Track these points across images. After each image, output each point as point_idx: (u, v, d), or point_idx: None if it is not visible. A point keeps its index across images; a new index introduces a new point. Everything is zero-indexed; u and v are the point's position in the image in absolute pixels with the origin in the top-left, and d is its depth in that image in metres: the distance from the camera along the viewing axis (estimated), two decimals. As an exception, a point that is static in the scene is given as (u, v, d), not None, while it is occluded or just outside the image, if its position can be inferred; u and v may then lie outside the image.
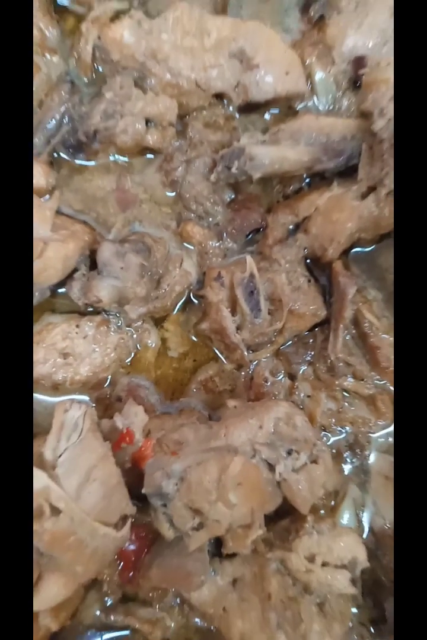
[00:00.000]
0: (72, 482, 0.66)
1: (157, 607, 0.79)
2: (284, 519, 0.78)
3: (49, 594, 0.66)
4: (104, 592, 0.79)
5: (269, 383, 0.84)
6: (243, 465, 0.70)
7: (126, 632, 0.79)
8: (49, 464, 0.69)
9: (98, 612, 0.79)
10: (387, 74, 0.79)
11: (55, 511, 0.66)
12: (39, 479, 0.67)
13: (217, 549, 0.77)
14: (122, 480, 0.69)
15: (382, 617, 0.78)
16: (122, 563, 0.77)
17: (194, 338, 0.91)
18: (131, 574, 0.77)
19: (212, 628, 0.78)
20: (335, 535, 0.73)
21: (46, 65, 0.91)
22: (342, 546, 0.72)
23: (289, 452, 0.71)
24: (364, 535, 0.80)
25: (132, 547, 0.77)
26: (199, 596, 0.73)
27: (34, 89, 0.91)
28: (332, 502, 0.83)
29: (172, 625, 0.79)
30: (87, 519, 0.64)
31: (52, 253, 0.76)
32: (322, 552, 0.73)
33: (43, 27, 0.91)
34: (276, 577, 0.73)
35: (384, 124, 0.75)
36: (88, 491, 0.65)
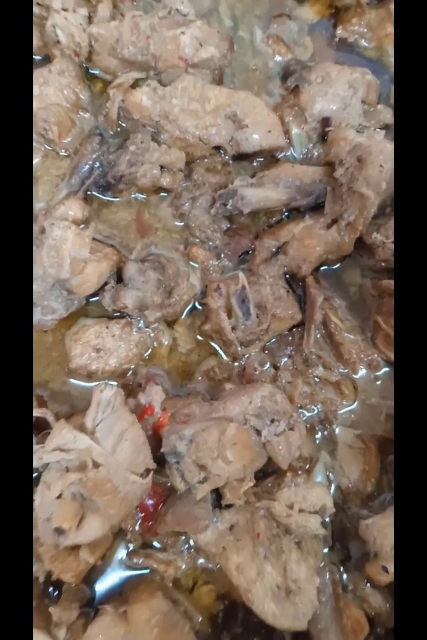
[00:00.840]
0: (108, 442, 0.82)
1: (170, 551, 0.95)
2: (269, 477, 0.94)
3: (89, 531, 0.80)
4: (128, 539, 0.94)
5: (257, 371, 1.00)
6: (237, 430, 0.86)
7: (147, 571, 0.94)
8: (89, 430, 0.84)
9: (123, 557, 0.95)
10: (346, 133, 0.99)
11: (96, 464, 0.82)
12: (83, 440, 0.82)
13: (218, 501, 0.92)
14: (147, 441, 0.85)
15: (348, 557, 0.94)
16: (142, 515, 0.93)
17: (198, 337, 1.04)
18: (150, 523, 0.93)
19: (214, 567, 0.94)
20: (309, 488, 0.89)
21: (80, 121, 1.11)
22: (314, 496, 0.87)
23: (272, 421, 0.88)
24: (332, 491, 0.93)
25: (150, 502, 0.92)
26: (203, 538, 0.89)
27: (68, 140, 1.11)
28: (307, 466, 0.97)
29: (183, 566, 0.95)
30: (121, 469, 0.81)
31: (90, 270, 0.93)
32: (298, 501, 0.88)
33: (78, 91, 1.10)
34: (263, 521, 0.89)
35: (343, 171, 0.99)
36: (121, 448, 0.82)
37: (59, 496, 0.81)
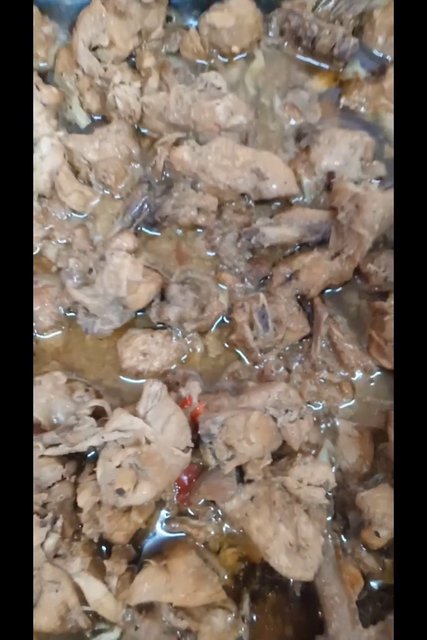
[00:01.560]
0: (157, 424, 0.99)
1: (201, 519, 1.09)
2: (283, 457, 1.08)
3: (141, 494, 0.97)
4: (167, 508, 1.10)
5: (273, 373, 1.16)
6: (259, 417, 1.02)
7: (182, 534, 1.09)
8: (141, 416, 1.00)
9: (162, 523, 1.10)
10: (347, 184, 1.17)
11: (148, 441, 0.98)
12: (138, 422, 0.98)
13: (241, 477, 1.06)
14: (188, 425, 1.01)
15: (347, 525, 1.08)
16: (179, 488, 1.08)
17: (225, 345, 1.19)
18: (185, 495, 1.08)
19: (238, 532, 1.08)
20: (315, 466, 1.03)
21: (131, 171, 1.29)
22: (320, 472, 1.02)
23: (286, 411, 1.03)
24: (334, 471, 1.08)
25: (185, 477, 1.07)
26: (229, 506, 1.03)
27: (122, 186, 1.26)
28: (314, 451, 1.11)
29: (211, 531, 1.09)
30: (167, 445, 0.97)
31: (142, 290, 1.10)
32: (307, 476, 1.02)
33: (130, 147, 1.25)
34: (278, 492, 1.03)
35: (344, 215, 1.15)
36: (167, 429, 0.98)
37: (119, 466, 0.97)
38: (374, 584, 1.08)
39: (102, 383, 1.18)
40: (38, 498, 1.03)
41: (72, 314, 1.21)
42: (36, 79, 1.27)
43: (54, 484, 1.04)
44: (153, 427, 0.99)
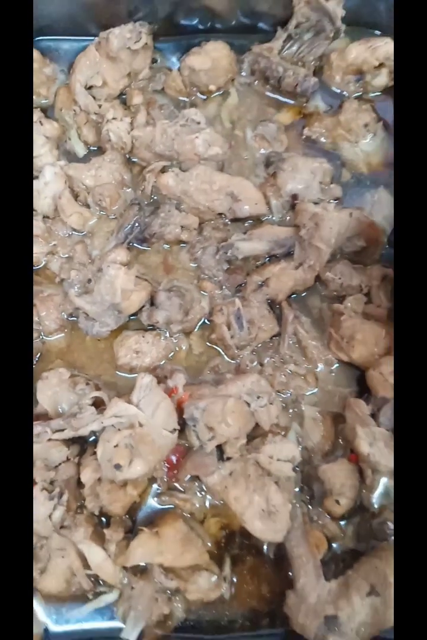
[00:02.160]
0: (149, 410, 1.09)
1: (188, 492, 1.18)
2: (256, 437, 1.17)
3: (135, 469, 1.07)
4: (158, 484, 1.18)
5: (248, 367, 1.24)
6: (235, 403, 1.12)
7: (171, 507, 1.18)
8: (134, 404, 1.10)
9: (154, 497, 1.20)
10: (308, 205, 1.25)
11: (140, 425, 1.09)
12: (132, 409, 1.09)
13: (221, 455, 1.15)
14: (174, 411, 1.11)
15: (313, 496, 1.17)
16: (168, 466, 1.17)
17: (207, 343, 1.28)
18: (173, 472, 1.18)
19: (219, 503, 1.17)
20: (283, 444, 1.13)
21: (124, 194, 1.37)
22: (287, 449, 1.12)
23: (258, 397, 1.13)
24: (300, 449, 1.16)
25: (173, 457, 1.17)
26: (211, 480, 1.12)
27: (116, 208, 1.35)
28: (283, 433, 1.19)
29: (197, 504, 1.18)
30: (157, 427, 1.08)
31: (134, 297, 1.21)
32: (276, 453, 1.12)
33: (122, 173, 1.35)
34: (253, 467, 1.13)
35: (305, 231, 1.23)
36: (157, 414, 1.09)
37: (116, 446, 1.08)
38: (336, 546, 1.16)
39: (101, 378, 1.27)
40: (46, 476, 1.12)
41: (74, 318, 1.29)
42: (39, 114, 1.36)
43: (60, 464, 1.14)
44: (145, 412, 1.10)
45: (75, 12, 1.41)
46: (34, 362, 1.30)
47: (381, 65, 1.37)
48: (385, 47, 1.33)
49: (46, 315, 1.27)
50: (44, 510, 1.10)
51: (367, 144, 1.40)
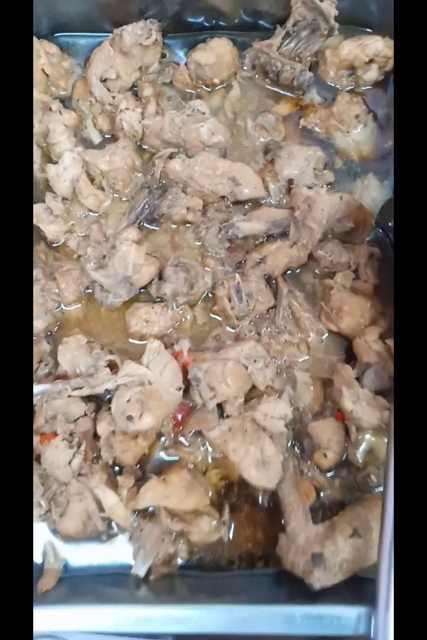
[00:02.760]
0: (157, 371, 1.19)
1: (192, 446, 1.26)
2: (253, 398, 1.25)
3: (145, 421, 1.16)
4: (165, 438, 1.27)
5: (247, 336, 1.31)
6: (233, 365, 1.21)
7: (177, 458, 1.26)
8: (144, 365, 1.20)
9: (161, 450, 1.28)
10: (302, 189, 1.30)
11: (150, 383, 1.18)
12: (142, 369, 1.19)
13: (221, 413, 1.24)
14: (180, 371, 1.20)
15: (303, 451, 1.25)
16: (174, 422, 1.26)
17: (210, 314, 1.35)
18: (179, 428, 1.26)
19: (219, 456, 1.25)
20: (277, 403, 1.21)
21: (135, 178, 1.43)
22: (280, 408, 1.20)
23: (255, 361, 1.22)
24: (292, 410, 1.23)
25: (179, 415, 1.26)
26: (212, 434, 1.21)
27: (128, 191, 1.42)
28: (277, 395, 1.26)
29: (199, 457, 1.26)
30: (165, 385, 1.17)
31: (144, 271, 1.28)
32: (270, 411, 1.19)
33: (134, 159, 1.41)
34: (249, 423, 1.21)
35: (299, 213, 1.27)
36: (165, 373, 1.18)
37: (128, 400, 1.18)
38: (323, 496, 1.25)
39: (114, 345, 1.34)
40: (66, 428, 1.21)
41: (90, 290, 1.36)
42: (58, 105, 1.45)
43: (78, 418, 1.23)
44: (153, 372, 1.20)
45: (91, 11, 1.49)
46: (55, 330, 1.40)
47: (371, 61, 1.45)
48: (375, 44, 1.42)
49: (65, 288, 1.34)
50: (65, 457, 1.20)
51: (358, 134, 1.48)
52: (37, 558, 1.28)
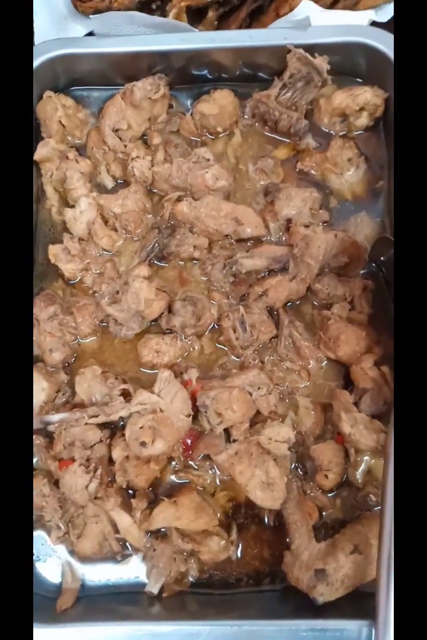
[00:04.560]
0: (168, 398, 1.23)
1: (200, 469, 1.31)
2: (257, 423, 1.29)
3: (157, 447, 1.20)
4: (175, 462, 1.31)
5: (251, 364, 1.35)
6: (239, 392, 1.25)
7: (187, 481, 1.30)
8: (156, 393, 1.25)
9: (172, 475, 1.32)
10: (299, 228, 1.35)
11: (161, 410, 1.22)
12: (154, 397, 1.23)
13: (228, 437, 1.27)
14: (189, 399, 1.24)
15: (306, 472, 1.30)
16: (183, 447, 1.30)
17: (217, 345, 1.39)
18: (188, 452, 1.30)
19: (226, 478, 1.29)
20: (280, 427, 1.25)
21: (146, 220, 1.47)
22: (284, 432, 1.24)
23: (258, 388, 1.26)
24: (294, 434, 1.26)
25: (188, 440, 1.30)
26: (220, 458, 1.24)
27: (139, 231, 1.47)
28: (280, 419, 1.30)
29: (208, 480, 1.31)
30: (175, 412, 1.21)
31: (155, 305, 1.33)
32: (274, 435, 1.23)
33: (144, 202, 1.45)
34: (254, 447, 1.24)
35: (297, 250, 1.32)
36: (175, 401, 1.22)
37: (141, 427, 1.22)
38: (325, 515, 1.29)
39: (127, 374, 1.38)
40: (83, 454, 1.26)
41: (104, 324, 1.41)
42: (75, 153, 1.53)
43: (94, 444, 1.27)
44: (165, 400, 1.24)
45: (104, 68, 1.59)
46: (72, 362, 1.46)
47: (361, 109, 1.53)
48: (364, 94, 1.50)
49: (82, 322, 1.40)
50: (82, 481, 1.25)
51: (351, 175, 1.54)
52: (55, 578, 1.34)
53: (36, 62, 1.51)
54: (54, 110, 1.56)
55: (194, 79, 1.64)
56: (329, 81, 1.55)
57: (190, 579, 1.28)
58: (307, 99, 1.57)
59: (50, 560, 1.32)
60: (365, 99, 1.50)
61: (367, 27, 1.55)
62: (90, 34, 1.59)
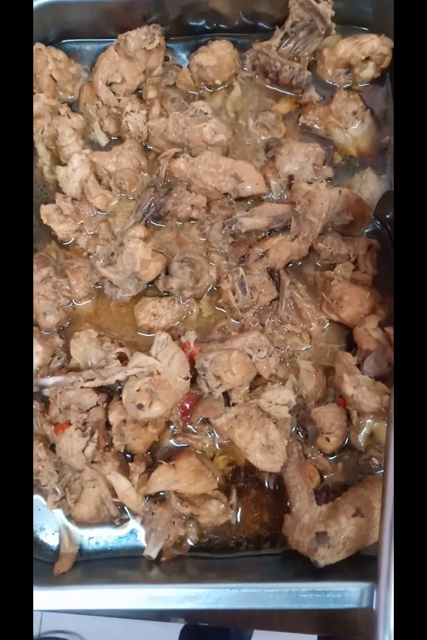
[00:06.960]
0: (165, 361, 1.20)
1: (199, 433, 1.29)
2: (257, 386, 1.27)
3: (155, 409, 1.18)
4: (173, 426, 1.30)
5: (251, 327, 1.32)
6: (238, 354, 1.22)
7: (185, 445, 1.29)
8: (153, 356, 1.21)
9: (171, 439, 1.31)
10: (302, 184, 1.32)
11: (159, 373, 1.19)
12: (151, 360, 1.20)
13: (227, 401, 1.25)
14: (187, 361, 1.21)
15: (307, 436, 1.28)
16: (182, 411, 1.29)
17: (215, 307, 1.37)
18: (187, 417, 1.29)
19: (226, 442, 1.28)
20: (281, 390, 1.22)
21: (141, 178, 1.44)
22: (284, 394, 1.22)
23: (258, 350, 1.24)
24: (295, 397, 1.24)
25: (187, 404, 1.28)
26: (219, 421, 1.23)
27: (134, 190, 1.44)
28: (281, 383, 1.26)
29: (207, 443, 1.29)
30: (173, 374, 1.18)
31: (151, 267, 1.29)
32: (275, 398, 1.21)
33: (140, 159, 1.42)
34: (254, 410, 1.22)
35: (299, 207, 1.29)
36: (173, 364, 1.19)
37: (138, 390, 1.19)
38: (327, 479, 1.28)
39: (124, 338, 1.37)
40: (80, 417, 1.24)
41: (100, 286, 1.38)
42: (66, 109, 1.47)
43: (91, 408, 1.25)
44: (162, 363, 1.21)
45: (96, 18, 1.51)
46: (66, 325, 1.42)
47: (367, 59, 1.46)
48: (370, 42, 1.43)
49: (76, 284, 1.37)
50: (78, 445, 1.22)
51: (356, 130, 1.49)
52: (53, 542, 1.32)
53: (23, 11, 1.41)
54: (44, 63, 1.49)
55: (191, 30, 1.57)
56: (333, 29, 1.48)
57: (190, 543, 1.27)
58: (310, 49, 1.51)
59: (48, 525, 1.30)
60: (371, 48, 1.43)
61: (373, -30, 1.46)
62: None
